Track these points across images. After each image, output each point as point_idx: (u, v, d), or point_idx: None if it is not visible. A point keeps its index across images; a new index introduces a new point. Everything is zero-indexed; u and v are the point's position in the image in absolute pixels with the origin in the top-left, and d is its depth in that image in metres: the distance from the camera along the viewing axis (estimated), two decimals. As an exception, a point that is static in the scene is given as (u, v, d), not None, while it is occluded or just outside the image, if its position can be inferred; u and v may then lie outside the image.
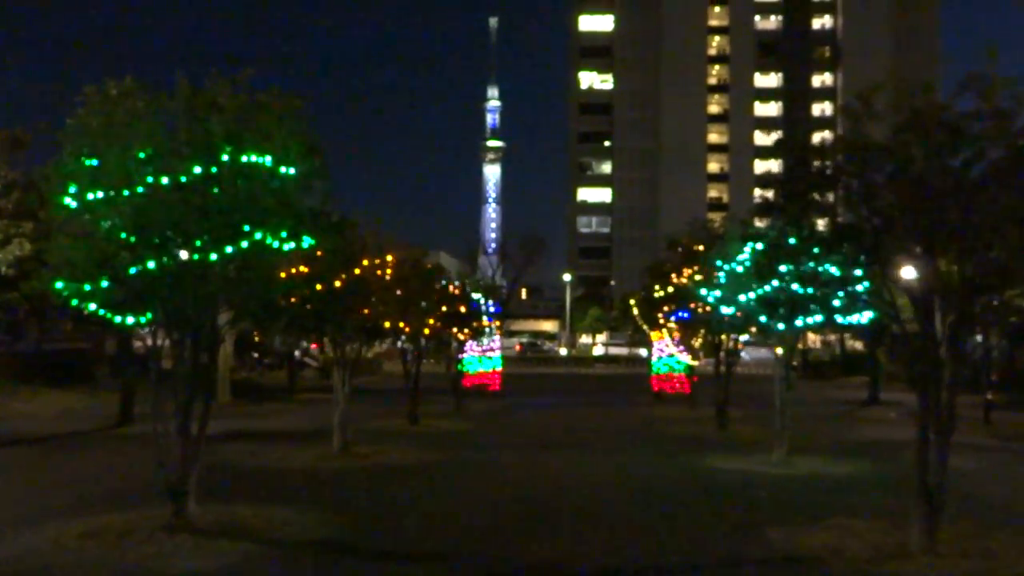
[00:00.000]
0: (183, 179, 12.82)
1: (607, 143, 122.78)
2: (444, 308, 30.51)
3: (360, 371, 64.86)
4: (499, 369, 46.00)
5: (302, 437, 26.94)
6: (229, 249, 13.04)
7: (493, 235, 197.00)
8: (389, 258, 22.36)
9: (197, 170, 12.85)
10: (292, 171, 13.35)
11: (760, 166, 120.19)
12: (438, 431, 29.80)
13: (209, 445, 26.09)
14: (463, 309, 32.03)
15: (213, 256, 12.99)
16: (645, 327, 43.02)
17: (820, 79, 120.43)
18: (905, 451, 26.73)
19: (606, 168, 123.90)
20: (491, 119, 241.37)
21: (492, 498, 17.83)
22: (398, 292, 22.31)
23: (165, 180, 12.68)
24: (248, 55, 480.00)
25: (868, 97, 12.90)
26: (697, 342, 40.12)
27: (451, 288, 31.62)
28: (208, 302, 13.41)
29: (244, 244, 13.07)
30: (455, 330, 33.36)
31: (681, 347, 43.20)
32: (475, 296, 37.80)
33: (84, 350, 49.67)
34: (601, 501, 17.64)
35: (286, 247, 13.50)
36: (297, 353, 53.48)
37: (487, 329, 40.64)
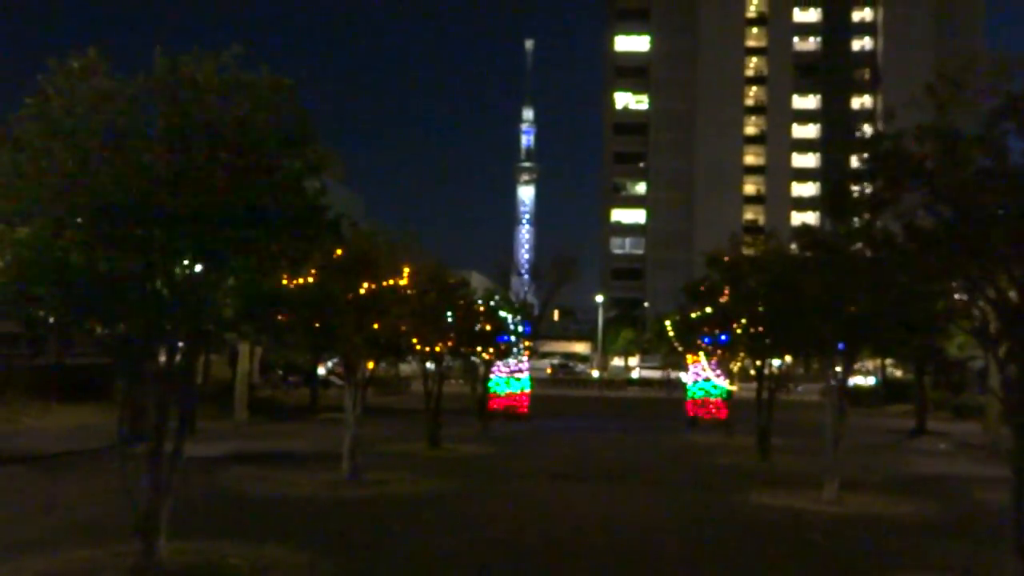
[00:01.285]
0: (152, 170, 10.96)
1: (642, 164, 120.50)
2: (467, 325, 28.56)
3: (386, 390, 63.36)
4: (528, 391, 43.80)
5: (314, 460, 24.98)
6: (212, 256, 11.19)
7: (526, 256, 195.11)
8: (406, 270, 20.37)
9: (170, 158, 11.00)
10: (284, 163, 11.49)
11: (797, 188, 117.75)
12: (459, 456, 27.76)
13: (213, 468, 24.61)
14: (488, 327, 29.98)
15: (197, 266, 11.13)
16: (681, 349, 40.72)
17: (859, 101, 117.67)
18: (966, 489, 24.58)
19: (640, 189, 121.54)
20: (526, 140, 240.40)
21: (511, 538, 15.74)
22: (415, 306, 20.32)
23: (130, 170, 10.83)
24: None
25: (957, 77, 10.75)
26: (736, 366, 37.88)
27: (476, 305, 29.58)
28: (184, 312, 11.49)
29: (224, 246, 11.20)
30: (479, 349, 31.31)
31: (719, 371, 40.96)
32: (503, 314, 35.76)
33: (105, 364, 48.23)
34: (635, 545, 15.51)
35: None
36: (322, 371, 51.71)
37: (515, 349, 38.53)
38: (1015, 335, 11.18)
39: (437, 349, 22.81)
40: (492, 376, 42.08)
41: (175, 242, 10.77)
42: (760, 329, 25.10)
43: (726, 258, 26.33)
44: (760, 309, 22.14)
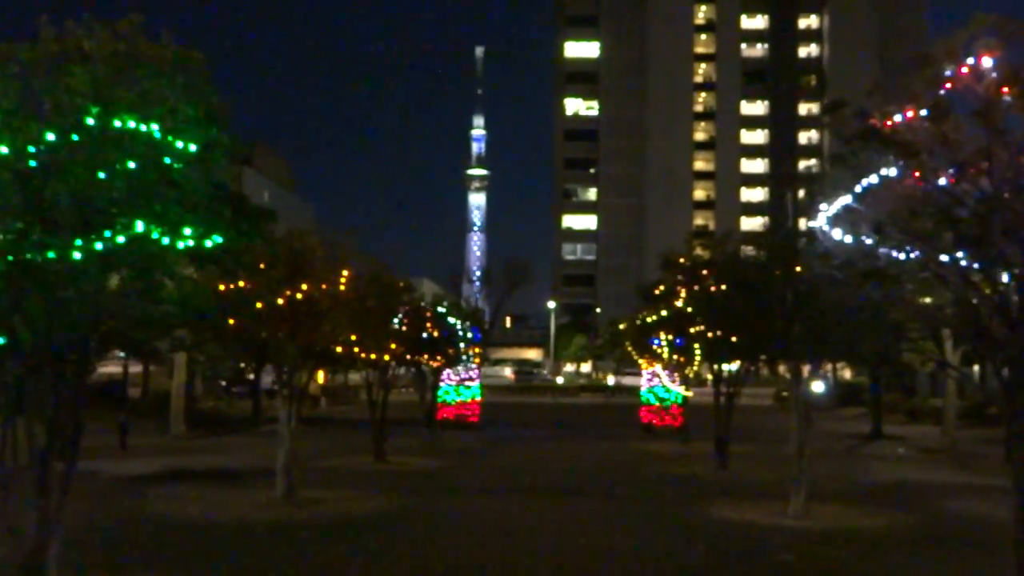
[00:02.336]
0: (31, 148, 9.33)
1: (592, 170, 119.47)
2: (414, 332, 26.97)
3: (334, 400, 61.48)
4: (479, 399, 42.27)
5: (249, 477, 23.25)
6: (99, 245, 9.54)
7: (478, 263, 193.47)
8: (344, 273, 18.76)
9: (51, 137, 9.38)
10: (189, 144, 9.90)
11: (746, 194, 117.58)
12: (405, 470, 26.15)
13: (138, 488, 22.77)
14: (436, 334, 28.40)
15: (76, 254, 9.48)
16: (635, 355, 39.44)
17: (806, 107, 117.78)
18: (932, 497, 23.49)
19: (591, 195, 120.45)
20: (477, 147, 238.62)
21: (457, 563, 14.20)
22: (354, 312, 18.72)
23: (4, 150, 9.19)
24: (226, 76, 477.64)
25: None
26: (691, 371, 36.70)
27: (424, 310, 27.99)
28: (68, 317, 9.83)
29: (119, 239, 9.57)
30: (426, 356, 29.71)
31: (673, 376, 39.76)
32: (452, 321, 34.17)
33: None
34: (589, 573, 14.05)
35: (179, 244, 9.97)
36: (269, 380, 49.66)
37: (465, 356, 36.96)
38: (1017, 339, 9.87)
39: (383, 357, 21.23)
40: (442, 384, 40.53)
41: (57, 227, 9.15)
42: (719, 333, 23.86)
43: (682, 260, 25.04)
44: (720, 312, 20.83)
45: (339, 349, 18.56)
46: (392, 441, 29.88)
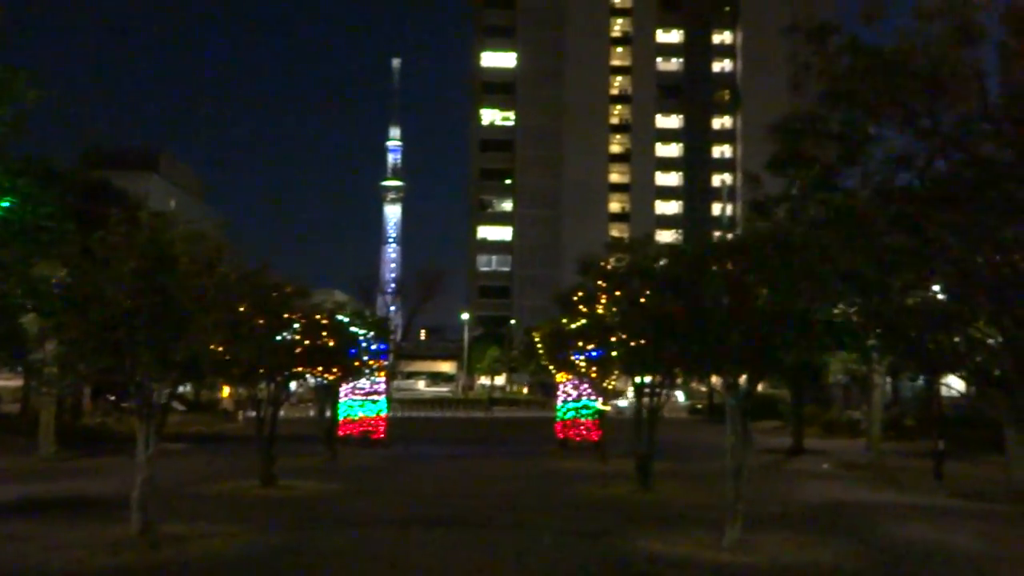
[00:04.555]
0: None
1: (508, 181, 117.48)
2: (309, 342, 24.07)
3: (222, 416, 57.81)
4: (385, 414, 39.33)
5: (110, 507, 19.97)
6: None
7: (392, 274, 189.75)
8: (216, 271, 15.88)
9: None
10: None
11: (661, 207, 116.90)
12: (296, 496, 23.17)
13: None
14: (333, 343, 25.52)
15: None
16: (551, 367, 37.01)
17: (720, 122, 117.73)
18: (872, 521, 21.45)
19: (507, 206, 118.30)
20: (392, 158, 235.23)
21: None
22: (227, 318, 15.81)
23: None
24: (145, 88, 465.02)
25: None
26: (610, 383, 34.49)
27: (319, 318, 25.09)
28: None
29: None
30: (320, 369, 26.79)
31: (591, 389, 37.50)
32: (355, 331, 31.28)
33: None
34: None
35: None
36: (165, 393, 45.80)
37: (368, 369, 34.03)
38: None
39: (260, 370, 18.34)
40: (346, 399, 37.55)
41: None
42: (643, 342, 21.52)
43: (609, 264, 22.64)
44: (647, 318, 18.46)
45: (203, 360, 15.68)
46: (287, 461, 26.97)
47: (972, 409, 45.41)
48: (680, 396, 72.56)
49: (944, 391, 53.66)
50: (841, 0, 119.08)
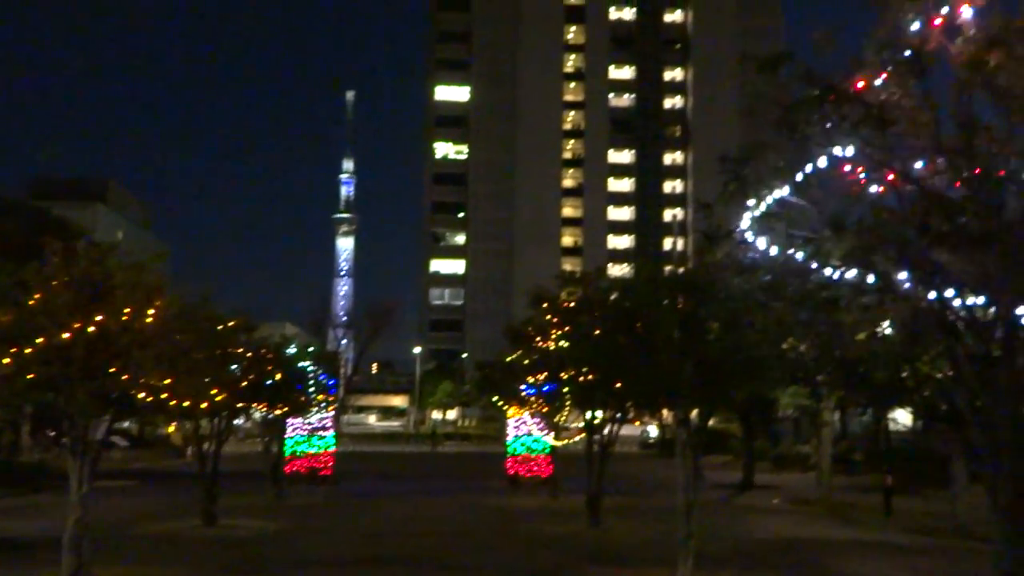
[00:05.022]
0: None
1: (461, 214, 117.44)
2: (254, 376, 23.51)
3: (166, 452, 56.46)
4: (333, 449, 38.57)
5: (39, 549, 19.21)
6: None
7: (343, 308, 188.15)
8: (156, 303, 15.35)
9: None
10: None
11: (613, 241, 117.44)
12: (238, 536, 22.49)
13: None
14: (279, 378, 24.96)
15: None
16: (501, 403, 36.61)
17: (671, 157, 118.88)
18: (828, 559, 21.22)
19: (460, 239, 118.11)
20: (345, 191, 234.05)
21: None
22: (166, 351, 15.27)
23: None
24: (100, 118, 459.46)
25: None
26: (562, 418, 34.16)
27: (265, 352, 24.53)
28: None
29: None
30: (265, 405, 26.17)
31: (542, 424, 37.12)
32: (303, 365, 30.68)
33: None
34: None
35: None
36: (102, 429, 44.57)
37: (318, 403, 33.36)
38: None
39: (202, 405, 17.80)
40: (293, 434, 36.78)
41: None
42: (592, 377, 21.30)
43: (566, 302, 22.42)
44: (598, 352, 18.26)
45: (143, 396, 15.14)
46: (231, 499, 26.27)
47: (919, 444, 45.95)
48: (652, 430, 72.03)
49: (892, 425, 54.23)
50: (791, 34, 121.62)
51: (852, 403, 38.89)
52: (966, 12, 6.89)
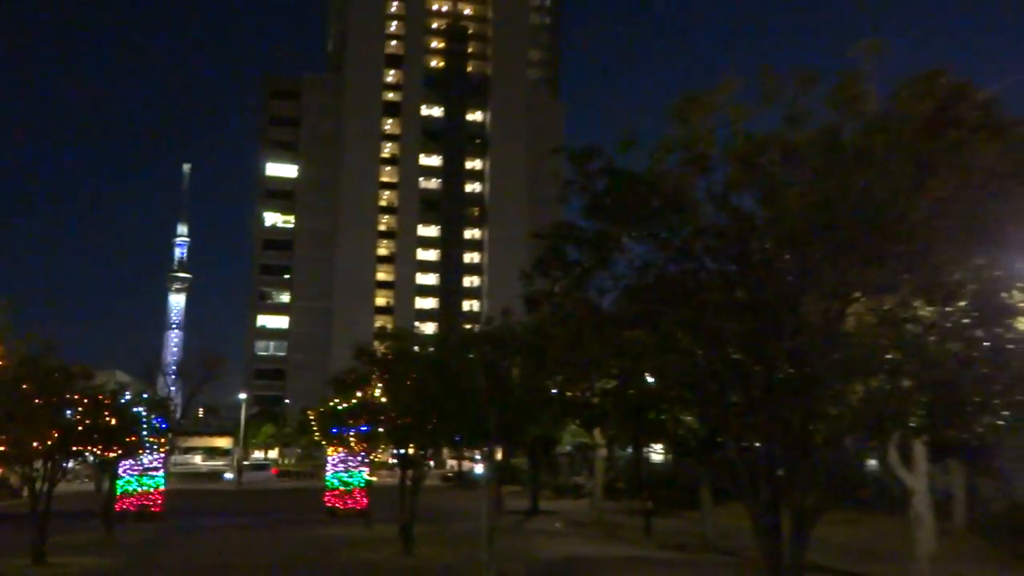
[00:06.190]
0: None
1: (287, 275, 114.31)
2: (90, 421, 21.52)
3: (2, 493, 50.70)
4: (162, 488, 35.82)
5: None
6: None
7: (174, 358, 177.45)
8: (-3, 351, 13.78)
9: None
10: None
11: (420, 302, 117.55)
12: (71, 572, 20.32)
13: None
14: (114, 423, 22.97)
15: None
16: (323, 442, 35.30)
17: (471, 232, 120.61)
18: (600, 571, 21.73)
19: (285, 298, 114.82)
20: (179, 252, 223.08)
21: None
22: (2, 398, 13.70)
23: None
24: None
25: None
26: (377, 456, 33.32)
27: (101, 398, 22.53)
28: None
29: None
30: (100, 448, 23.97)
31: (358, 461, 36.07)
32: (137, 410, 28.44)
33: None
34: None
35: None
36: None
37: (149, 446, 30.95)
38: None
39: (36, 448, 16.01)
40: (124, 474, 33.89)
41: None
42: (408, 420, 20.92)
43: (383, 349, 21.93)
44: (415, 398, 17.94)
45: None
46: (63, 537, 23.76)
47: (672, 473, 47.85)
48: (479, 468, 70.72)
49: (655, 457, 56.32)
50: (572, 131, 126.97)
51: (619, 439, 40.06)
52: (738, 123, 7.33)
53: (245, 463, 78.45)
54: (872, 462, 29.03)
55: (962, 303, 7.89)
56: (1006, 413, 7.97)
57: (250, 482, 68.80)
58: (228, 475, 75.03)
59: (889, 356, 7.82)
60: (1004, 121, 7.75)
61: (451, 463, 70.65)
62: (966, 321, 7.66)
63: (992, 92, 8.06)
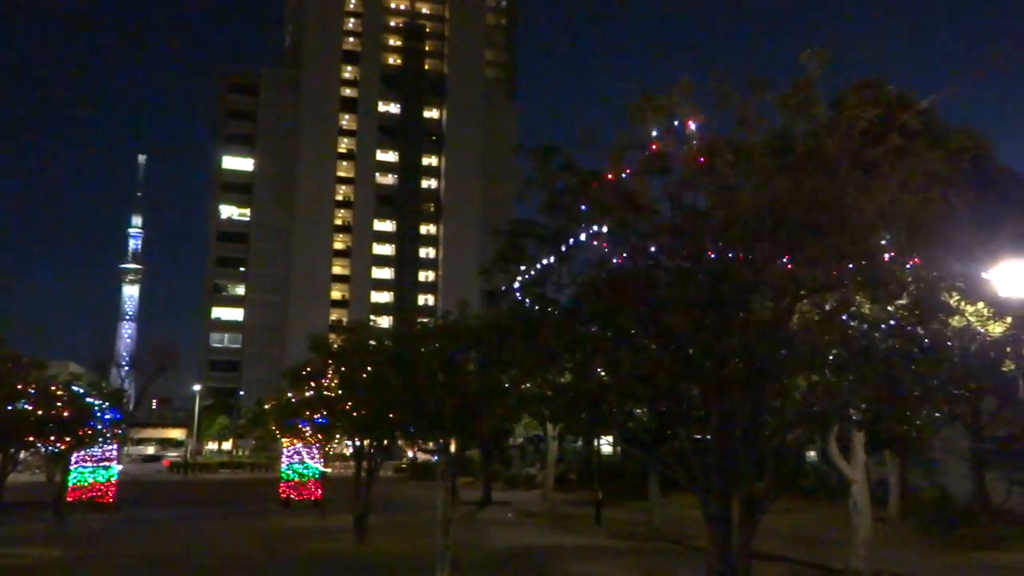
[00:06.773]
0: None
1: (242, 268, 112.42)
2: (41, 412, 20.94)
3: None
4: (115, 479, 34.98)
5: None
6: None
7: (127, 349, 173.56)
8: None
9: None
10: None
11: (375, 296, 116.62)
12: (21, 564, 19.75)
13: None
14: (67, 414, 22.38)
15: None
16: (279, 433, 34.86)
17: (426, 228, 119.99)
18: (558, 562, 21.70)
19: (240, 290, 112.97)
20: (133, 244, 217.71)
21: None
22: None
23: None
24: None
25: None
26: (331, 448, 32.98)
27: (53, 388, 21.93)
28: None
29: None
30: (52, 438, 23.34)
31: (313, 452, 35.71)
32: (90, 401, 27.76)
33: None
34: None
35: None
36: None
37: (103, 437, 30.22)
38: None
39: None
40: (76, 465, 33.04)
41: None
42: (364, 412, 20.70)
43: (340, 342, 21.67)
44: (371, 390, 17.78)
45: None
46: (15, 528, 23.09)
47: (621, 464, 48.24)
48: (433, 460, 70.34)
49: (607, 449, 56.68)
50: (525, 133, 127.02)
51: (571, 431, 40.24)
52: (692, 125, 7.38)
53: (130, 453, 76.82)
54: (811, 453, 29.68)
55: (903, 301, 8.07)
56: (943, 407, 8.18)
57: (138, 474, 66.02)
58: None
59: (834, 352, 7.97)
60: (944, 128, 7.93)
61: (409, 454, 70.05)
62: (907, 318, 7.84)
63: (932, 100, 8.24)
